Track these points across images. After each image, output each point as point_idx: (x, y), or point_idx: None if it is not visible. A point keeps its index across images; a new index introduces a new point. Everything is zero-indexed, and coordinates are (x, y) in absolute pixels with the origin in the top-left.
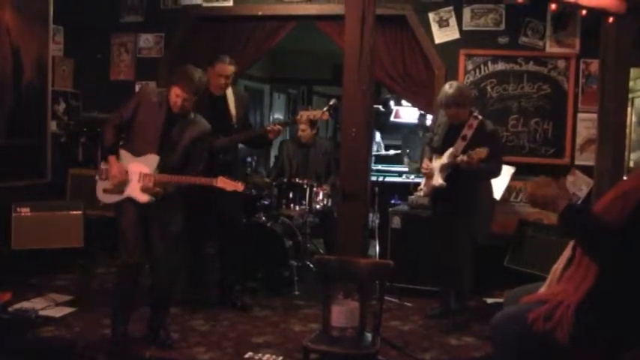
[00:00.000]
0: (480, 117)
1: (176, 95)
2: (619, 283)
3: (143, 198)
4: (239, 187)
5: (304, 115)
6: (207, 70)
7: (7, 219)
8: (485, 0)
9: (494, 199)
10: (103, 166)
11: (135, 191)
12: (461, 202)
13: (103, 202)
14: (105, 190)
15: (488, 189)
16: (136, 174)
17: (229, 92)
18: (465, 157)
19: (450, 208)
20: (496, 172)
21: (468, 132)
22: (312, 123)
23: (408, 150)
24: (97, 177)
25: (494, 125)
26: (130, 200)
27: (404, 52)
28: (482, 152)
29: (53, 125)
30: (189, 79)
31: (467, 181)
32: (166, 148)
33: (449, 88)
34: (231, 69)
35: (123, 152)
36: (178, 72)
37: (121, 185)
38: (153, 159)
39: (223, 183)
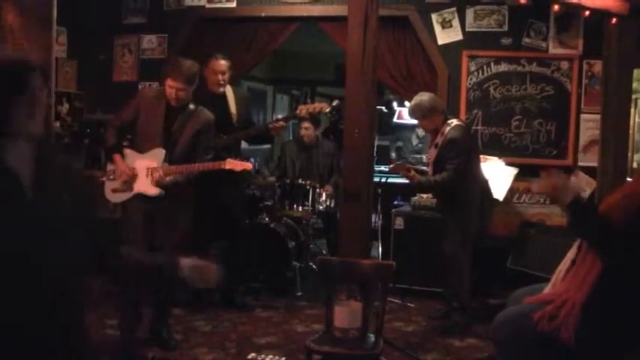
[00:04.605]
0: (454, 122)
1: (170, 87)
2: (622, 284)
3: (153, 191)
4: (248, 165)
5: (304, 109)
6: (204, 71)
7: None
8: (488, 1)
9: (479, 200)
10: (109, 166)
11: (144, 186)
12: (443, 206)
13: (112, 201)
14: (114, 190)
15: (466, 193)
16: (144, 169)
17: (229, 92)
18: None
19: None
20: (445, 183)
21: (439, 139)
22: (315, 119)
23: (400, 143)
24: (104, 178)
25: (460, 132)
26: (139, 198)
27: (407, 53)
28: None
29: (56, 126)
30: (178, 68)
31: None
32: (169, 143)
33: (412, 102)
34: (224, 64)
35: (128, 152)
36: (168, 65)
37: (130, 182)
38: (159, 152)
39: (232, 164)
